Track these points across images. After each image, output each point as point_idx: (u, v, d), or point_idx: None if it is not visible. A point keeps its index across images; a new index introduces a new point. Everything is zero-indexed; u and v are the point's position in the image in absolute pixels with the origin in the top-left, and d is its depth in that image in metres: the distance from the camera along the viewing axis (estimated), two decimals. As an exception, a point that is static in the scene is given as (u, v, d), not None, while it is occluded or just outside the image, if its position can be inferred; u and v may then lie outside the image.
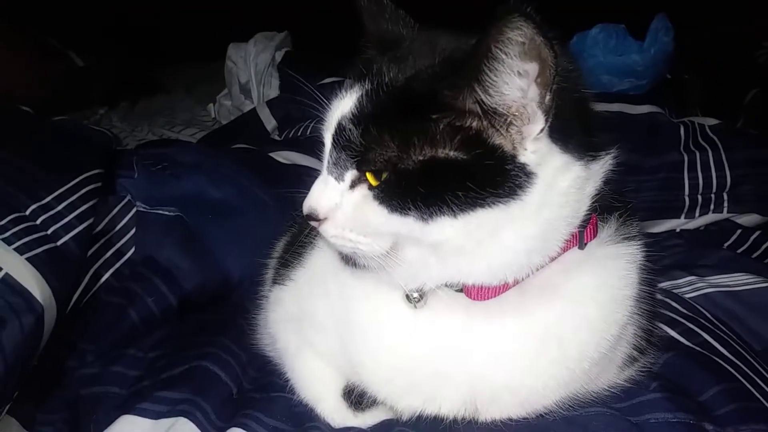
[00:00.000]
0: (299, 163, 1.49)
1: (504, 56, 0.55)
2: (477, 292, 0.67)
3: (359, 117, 0.62)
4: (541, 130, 0.58)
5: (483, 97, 0.57)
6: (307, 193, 0.67)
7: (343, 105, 0.64)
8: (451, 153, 0.59)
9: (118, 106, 2.59)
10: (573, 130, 0.61)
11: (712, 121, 1.62)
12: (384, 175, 0.61)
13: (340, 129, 0.63)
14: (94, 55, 2.61)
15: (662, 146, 1.51)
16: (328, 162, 0.65)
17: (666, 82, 1.99)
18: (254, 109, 1.98)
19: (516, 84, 0.56)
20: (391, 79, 0.62)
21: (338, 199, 0.64)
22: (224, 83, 2.42)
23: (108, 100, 2.57)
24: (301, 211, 0.67)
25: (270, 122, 1.90)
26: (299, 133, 1.74)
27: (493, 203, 0.59)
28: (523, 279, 0.65)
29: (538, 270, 0.65)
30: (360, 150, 0.61)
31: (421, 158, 0.59)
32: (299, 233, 0.88)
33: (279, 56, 2.22)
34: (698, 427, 0.71)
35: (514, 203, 0.59)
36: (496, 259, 0.63)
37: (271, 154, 1.51)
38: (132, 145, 1.89)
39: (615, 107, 1.60)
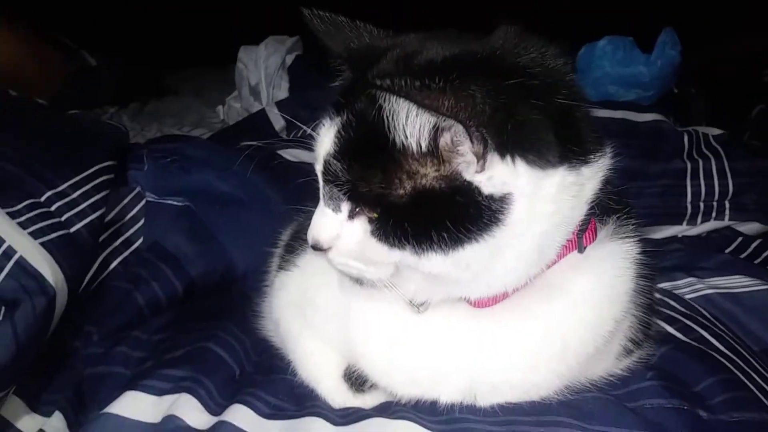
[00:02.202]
0: (307, 161, 1.50)
1: (403, 122, 0.56)
2: (478, 302, 0.68)
3: (340, 153, 0.61)
4: (481, 165, 0.57)
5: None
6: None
7: (326, 140, 0.63)
8: (429, 183, 0.58)
9: (128, 106, 2.63)
10: (544, 141, 0.59)
11: (716, 131, 1.64)
12: (378, 210, 0.61)
13: (326, 165, 0.62)
14: (105, 56, 2.65)
15: (666, 153, 1.52)
16: (323, 195, 0.65)
17: (672, 95, 2.01)
18: (263, 109, 2.00)
19: (425, 140, 0.57)
20: (359, 108, 0.60)
21: (338, 229, 0.64)
22: (233, 88, 2.45)
23: (118, 100, 2.60)
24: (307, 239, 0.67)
25: (279, 122, 1.92)
26: (308, 134, 1.75)
27: (479, 236, 0.58)
28: (522, 286, 0.66)
29: (536, 276, 0.66)
30: (348, 186, 0.61)
31: (403, 192, 0.59)
32: (305, 223, 0.89)
33: (290, 60, 2.25)
34: (692, 413, 0.72)
35: (500, 230, 0.59)
36: (495, 280, 0.64)
37: (279, 152, 1.52)
38: (141, 145, 1.91)
39: (619, 114, 1.61)
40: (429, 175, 0.58)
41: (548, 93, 0.60)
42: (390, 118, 0.56)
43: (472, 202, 0.58)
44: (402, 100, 0.55)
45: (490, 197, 0.58)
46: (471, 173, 0.58)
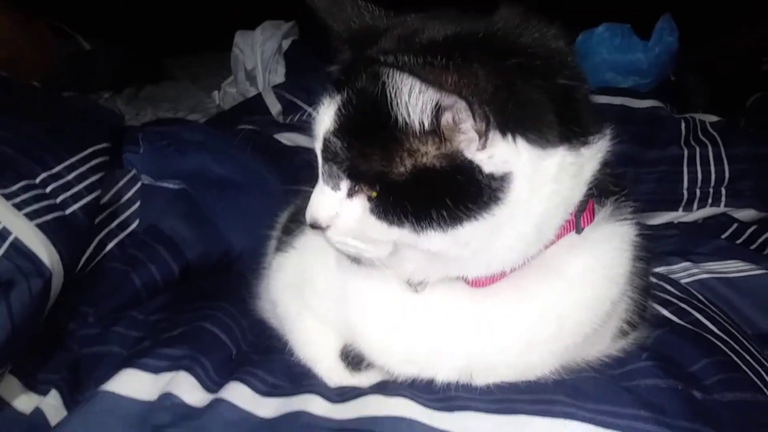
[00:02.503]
0: (303, 145, 1.51)
1: (406, 99, 0.56)
2: (475, 281, 0.68)
3: (340, 130, 0.61)
4: (483, 143, 0.57)
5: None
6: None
7: (326, 117, 0.63)
8: (430, 162, 0.58)
9: (123, 91, 2.61)
10: (545, 121, 0.59)
11: (713, 118, 1.65)
12: (378, 187, 0.61)
13: (326, 143, 0.62)
14: (101, 41, 2.63)
15: (663, 140, 1.53)
16: (323, 173, 0.65)
17: (669, 82, 2.01)
18: (259, 93, 2.00)
19: (428, 117, 0.57)
20: (361, 86, 0.60)
21: (337, 208, 0.64)
22: (229, 73, 2.44)
23: (113, 85, 2.59)
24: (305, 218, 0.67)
25: (275, 107, 1.91)
26: (304, 117, 1.75)
27: (479, 215, 0.58)
28: (519, 266, 0.66)
29: (534, 256, 0.66)
30: (348, 164, 0.61)
31: (404, 169, 0.59)
32: (303, 204, 0.89)
33: (286, 45, 2.24)
34: (686, 393, 0.72)
35: (499, 209, 0.59)
36: (494, 259, 0.64)
37: (275, 136, 1.52)
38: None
39: (618, 100, 1.62)
40: (430, 153, 0.58)
41: (549, 73, 0.60)
42: (393, 95, 0.56)
43: (473, 180, 0.58)
44: (406, 76, 0.54)
45: (491, 176, 0.58)
46: (472, 151, 0.58)
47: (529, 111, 0.58)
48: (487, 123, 0.56)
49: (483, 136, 0.56)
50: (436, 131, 0.58)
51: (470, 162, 0.58)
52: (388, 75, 0.56)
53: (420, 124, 0.57)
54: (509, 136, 0.57)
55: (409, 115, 0.57)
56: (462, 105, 0.55)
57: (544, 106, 0.58)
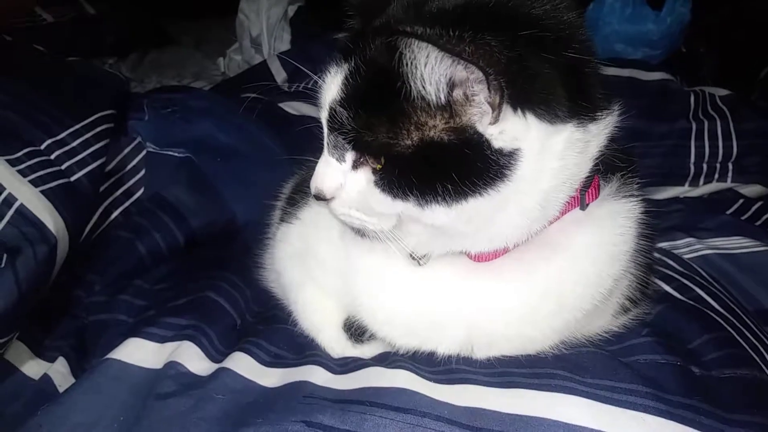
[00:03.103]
0: (309, 114, 1.50)
1: (422, 70, 0.55)
2: (478, 256, 0.69)
3: (347, 100, 0.60)
4: (495, 116, 0.56)
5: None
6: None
7: (333, 86, 0.62)
8: (437, 135, 0.58)
9: (128, 57, 2.58)
10: (555, 96, 0.58)
11: (723, 92, 1.62)
12: (382, 160, 0.60)
13: (332, 113, 0.62)
14: (105, 5, 2.60)
15: (671, 113, 1.52)
16: (328, 144, 0.65)
17: (680, 54, 1.98)
18: (265, 61, 1.97)
19: (442, 88, 0.56)
20: (371, 55, 0.59)
21: (342, 179, 0.64)
22: (234, 40, 2.41)
23: (117, 51, 2.56)
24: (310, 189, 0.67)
25: (280, 74, 1.89)
26: (310, 85, 1.73)
27: (483, 191, 0.58)
28: (523, 242, 0.66)
29: (537, 232, 0.66)
30: (354, 134, 0.60)
31: (410, 142, 0.58)
32: (307, 175, 0.89)
33: (291, 11, 2.21)
34: (685, 368, 0.73)
35: (505, 186, 0.58)
36: (497, 235, 0.64)
37: (280, 105, 1.51)
38: (141, 97, 1.89)
39: (626, 72, 1.60)
40: (438, 126, 0.58)
41: (560, 46, 0.59)
42: (409, 65, 0.55)
43: (480, 155, 0.58)
44: (425, 46, 0.53)
45: (499, 152, 0.58)
46: (485, 124, 0.57)
47: (539, 85, 0.57)
48: (501, 95, 0.55)
49: (496, 108, 0.56)
50: (447, 103, 0.57)
51: (480, 136, 0.57)
52: (405, 45, 0.55)
53: (436, 96, 0.57)
54: (519, 111, 0.57)
55: (423, 86, 0.56)
56: (478, 76, 0.54)
57: (554, 80, 0.58)
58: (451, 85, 0.56)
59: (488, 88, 0.55)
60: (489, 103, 0.56)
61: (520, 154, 0.58)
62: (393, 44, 0.55)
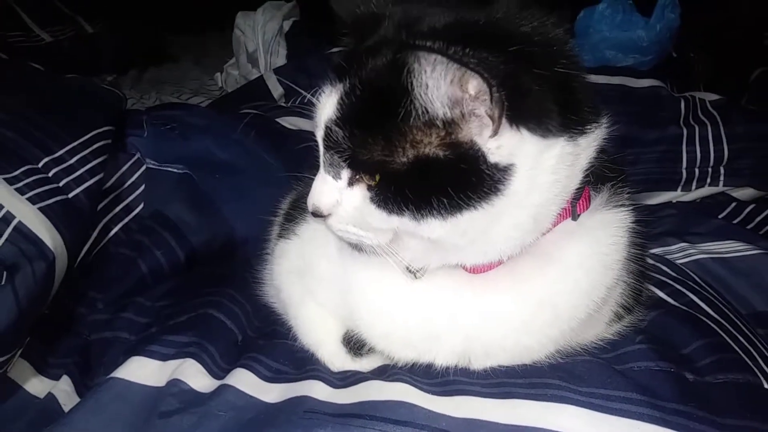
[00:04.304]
0: (305, 128, 1.51)
1: (427, 85, 0.56)
2: (473, 268, 0.70)
3: (342, 120, 0.61)
4: (495, 128, 0.57)
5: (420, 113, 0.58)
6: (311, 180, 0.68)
7: (328, 106, 0.63)
8: (432, 151, 0.59)
9: (127, 74, 2.60)
10: (547, 110, 0.60)
11: (713, 97, 1.63)
12: (377, 177, 0.62)
13: (327, 132, 0.63)
14: (103, 22, 2.62)
15: (662, 119, 1.53)
16: (324, 161, 0.66)
17: (671, 59, 2.00)
18: (261, 76, 1.99)
19: (445, 102, 0.57)
20: (366, 75, 0.60)
21: (338, 196, 0.65)
22: (232, 54, 2.43)
23: (117, 68, 2.58)
24: (307, 206, 0.68)
25: (277, 90, 1.91)
26: (306, 101, 1.75)
27: (478, 204, 0.59)
28: (516, 254, 0.67)
29: (531, 244, 0.67)
30: (349, 153, 0.62)
31: (405, 159, 0.59)
32: (304, 191, 0.90)
33: (287, 26, 2.23)
34: (678, 375, 0.74)
35: (499, 200, 0.60)
36: (491, 248, 0.65)
37: (277, 120, 1.52)
38: (140, 113, 1.90)
39: (617, 80, 1.61)
40: (433, 143, 0.59)
41: (549, 61, 0.61)
42: (418, 78, 0.56)
43: (475, 170, 0.59)
44: (434, 58, 0.54)
45: (495, 166, 0.59)
46: (485, 137, 0.58)
47: (532, 100, 0.59)
48: (501, 107, 0.56)
49: (497, 121, 0.57)
50: (448, 118, 0.58)
51: (476, 151, 0.59)
52: (414, 58, 0.55)
53: (441, 110, 0.58)
54: (514, 126, 0.58)
55: (430, 100, 0.57)
56: (482, 87, 0.56)
57: (546, 95, 0.59)
58: (456, 97, 0.58)
59: (491, 100, 0.56)
60: (489, 115, 0.57)
61: (514, 169, 0.59)
62: (401, 59, 0.56)
